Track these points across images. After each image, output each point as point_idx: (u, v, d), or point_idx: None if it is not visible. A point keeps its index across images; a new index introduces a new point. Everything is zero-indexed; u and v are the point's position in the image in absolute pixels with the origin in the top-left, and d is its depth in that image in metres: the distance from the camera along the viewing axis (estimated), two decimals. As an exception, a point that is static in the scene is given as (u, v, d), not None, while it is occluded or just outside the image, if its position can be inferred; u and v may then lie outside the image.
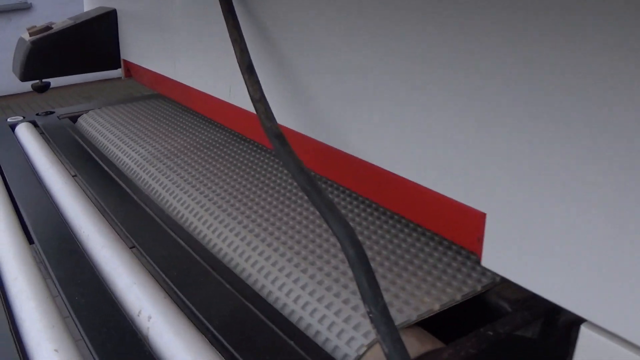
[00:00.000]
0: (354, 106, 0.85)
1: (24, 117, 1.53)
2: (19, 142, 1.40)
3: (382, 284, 0.79)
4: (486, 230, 0.71)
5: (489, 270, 0.74)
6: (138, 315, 0.77)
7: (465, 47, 0.69)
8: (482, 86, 0.68)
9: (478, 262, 0.82)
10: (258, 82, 0.87)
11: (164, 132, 1.42)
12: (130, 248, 0.94)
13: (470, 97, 0.70)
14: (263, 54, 0.99)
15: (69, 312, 0.79)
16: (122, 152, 1.33)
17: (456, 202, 0.74)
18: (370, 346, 0.70)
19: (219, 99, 1.18)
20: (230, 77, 1.13)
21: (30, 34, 1.48)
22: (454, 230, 0.77)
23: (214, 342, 0.72)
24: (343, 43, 0.85)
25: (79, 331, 0.75)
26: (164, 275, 0.85)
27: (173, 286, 0.83)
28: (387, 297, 0.76)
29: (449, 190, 0.75)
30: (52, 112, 1.57)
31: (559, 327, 0.82)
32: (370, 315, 0.63)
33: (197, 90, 1.26)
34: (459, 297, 0.76)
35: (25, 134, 1.42)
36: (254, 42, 1.00)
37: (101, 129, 1.47)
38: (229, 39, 1.00)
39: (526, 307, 0.80)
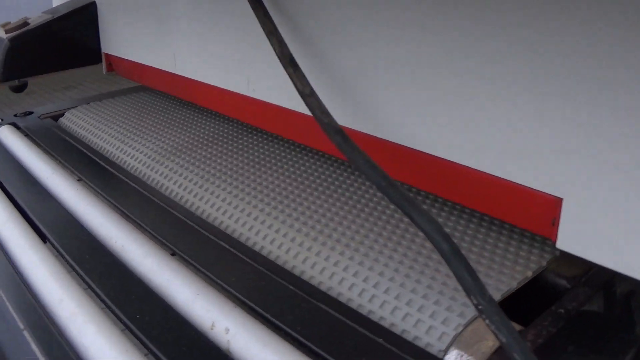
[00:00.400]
0: (419, 98, 0.83)
1: (2, 120, 1.43)
2: (5, 147, 1.31)
3: (471, 258, 0.81)
4: (562, 214, 0.72)
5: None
6: (212, 329, 0.74)
7: (537, 36, 0.69)
8: (555, 73, 0.68)
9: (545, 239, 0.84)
10: (304, 75, 0.84)
11: (162, 127, 1.36)
12: (172, 255, 0.90)
13: (543, 85, 0.70)
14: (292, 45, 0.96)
15: (133, 333, 0.75)
16: (122, 152, 1.26)
17: (530, 189, 0.75)
18: (455, 337, 0.70)
19: (234, 93, 1.13)
20: (247, 69, 1.08)
21: (7, 31, 1.38)
22: (524, 216, 0.77)
23: (303, 349, 0.70)
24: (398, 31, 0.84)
25: (155, 353, 0.71)
26: (222, 283, 0.82)
27: (237, 294, 0.79)
28: (482, 269, 0.79)
29: (523, 179, 0.75)
30: (31, 113, 1.48)
31: (618, 299, 0.84)
32: (480, 307, 0.62)
33: (205, 84, 1.21)
34: (544, 263, 0.81)
35: (10, 138, 1.33)
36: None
37: (91, 128, 1.40)
38: (245, 28, 0.96)
39: (584, 283, 0.82)
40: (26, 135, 1.37)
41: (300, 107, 1.00)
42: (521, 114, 0.73)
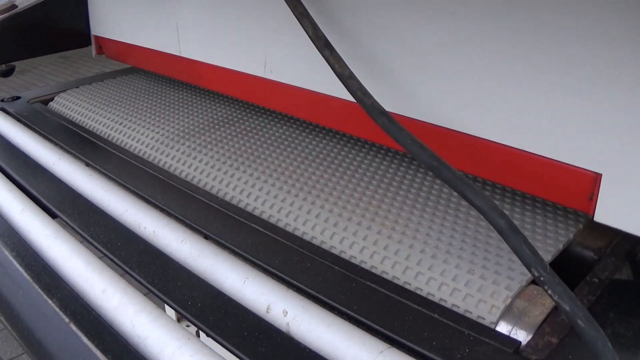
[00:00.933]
0: (459, 79, 0.85)
1: (-13, 104, 1.38)
2: (1, 134, 1.26)
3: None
4: (601, 189, 0.75)
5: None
6: (267, 312, 0.75)
7: (573, 19, 0.71)
8: (591, 53, 0.71)
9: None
10: (341, 58, 0.84)
11: (162, 110, 1.34)
12: (205, 239, 0.89)
13: (581, 66, 0.72)
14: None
15: (191, 320, 0.74)
16: (126, 136, 1.24)
17: (569, 165, 0.78)
18: (505, 309, 0.73)
19: (248, 75, 1.12)
20: (264, 50, 1.08)
21: (-5, 14, 1.32)
22: (562, 192, 0.80)
23: (363, 328, 0.71)
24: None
25: (218, 340, 0.71)
26: (266, 266, 0.82)
27: (285, 276, 0.80)
28: (533, 234, 0.84)
29: (562, 156, 0.78)
30: (18, 97, 1.43)
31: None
32: (542, 279, 0.65)
33: (213, 65, 1.19)
34: (581, 227, 0.87)
35: (4, 124, 1.28)
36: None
37: (87, 112, 1.36)
38: (262, 7, 0.96)
39: (610, 254, 0.86)
40: (19, 120, 1.32)
41: (324, 88, 1.00)
42: (560, 93, 0.75)
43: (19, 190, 1.04)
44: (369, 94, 0.81)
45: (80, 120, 1.35)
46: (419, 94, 0.89)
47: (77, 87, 1.51)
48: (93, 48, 1.54)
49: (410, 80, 0.89)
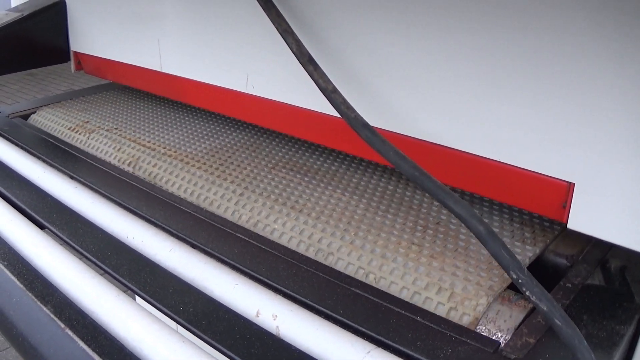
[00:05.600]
0: (433, 92, 0.89)
1: (-34, 120, 1.38)
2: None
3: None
4: (574, 198, 0.80)
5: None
6: (257, 316, 0.77)
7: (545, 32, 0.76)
8: (567, 62, 0.75)
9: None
10: (325, 73, 0.88)
11: (145, 124, 1.36)
12: (193, 248, 0.92)
13: (553, 78, 0.77)
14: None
15: (184, 325, 0.76)
16: (112, 148, 1.26)
17: (543, 175, 0.82)
18: (485, 310, 0.76)
19: (230, 90, 1.15)
20: (246, 66, 1.11)
21: (-26, 30, 1.33)
22: (536, 201, 0.85)
23: (350, 330, 0.74)
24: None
25: (211, 342, 0.73)
26: (251, 272, 0.85)
27: (271, 282, 0.82)
28: (512, 240, 0.88)
29: (536, 166, 0.82)
30: (-4, 112, 1.44)
31: (614, 273, 0.93)
32: (520, 281, 0.69)
33: (197, 81, 1.22)
34: (555, 234, 0.92)
35: (-13, 140, 1.29)
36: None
37: (68, 125, 1.37)
38: (244, 23, 0.99)
39: (581, 261, 0.90)
40: (0, 135, 1.33)
41: (306, 103, 1.04)
42: (534, 105, 0.80)
43: (5, 202, 1.05)
44: (352, 107, 0.84)
45: (63, 132, 1.37)
46: (398, 108, 0.93)
47: (57, 103, 1.52)
48: (72, 64, 1.55)
49: (390, 95, 0.93)
